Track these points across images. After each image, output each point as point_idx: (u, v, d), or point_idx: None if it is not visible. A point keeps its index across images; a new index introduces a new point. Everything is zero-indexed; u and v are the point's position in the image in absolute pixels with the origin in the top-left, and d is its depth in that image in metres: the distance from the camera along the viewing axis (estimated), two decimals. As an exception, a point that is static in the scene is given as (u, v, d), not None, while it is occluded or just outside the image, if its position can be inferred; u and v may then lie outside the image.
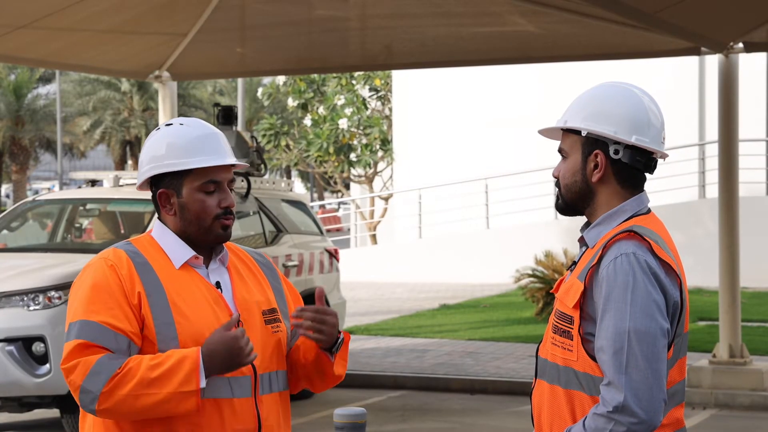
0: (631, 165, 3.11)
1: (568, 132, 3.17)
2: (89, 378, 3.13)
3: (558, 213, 3.34)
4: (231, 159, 3.35)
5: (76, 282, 3.31)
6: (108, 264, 3.26)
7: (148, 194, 3.44)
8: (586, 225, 3.19)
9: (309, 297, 11.27)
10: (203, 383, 3.15)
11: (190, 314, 3.24)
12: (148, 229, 9.70)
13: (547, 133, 3.29)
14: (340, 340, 3.39)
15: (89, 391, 3.14)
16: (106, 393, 3.12)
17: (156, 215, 3.44)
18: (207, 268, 3.37)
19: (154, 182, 3.36)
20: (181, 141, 3.31)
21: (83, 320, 3.18)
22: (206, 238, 3.34)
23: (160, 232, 3.37)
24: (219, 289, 3.34)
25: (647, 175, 3.19)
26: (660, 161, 3.20)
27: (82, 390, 3.14)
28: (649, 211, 3.17)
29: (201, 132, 3.34)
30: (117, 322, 3.18)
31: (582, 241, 3.20)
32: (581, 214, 3.21)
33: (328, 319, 3.33)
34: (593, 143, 3.12)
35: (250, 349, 3.19)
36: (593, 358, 3.01)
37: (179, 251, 3.33)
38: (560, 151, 3.21)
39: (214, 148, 3.32)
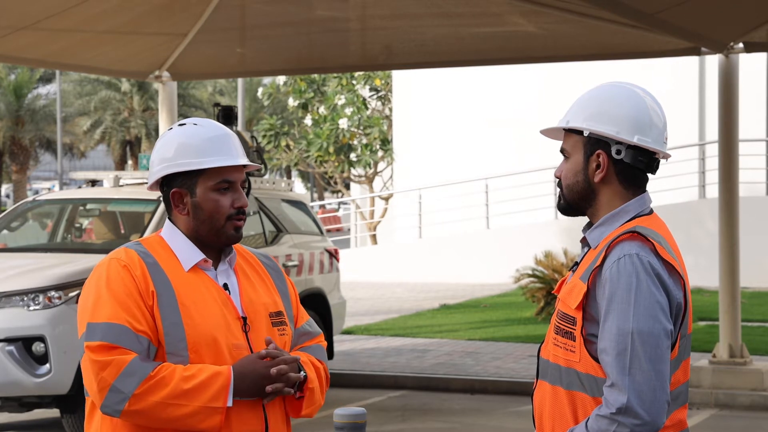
0: (634, 165, 3.11)
1: (570, 132, 3.17)
2: (122, 378, 3.13)
3: (559, 213, 3.33)
4: (244, 160, 3.36)
5: (89, 282, 3.30)
6: (121, 264, 3.26)
7: (148, 194, 3.45)
8: (589, 225, 3.19)
9: (309, 297, 11.33)
10: (230, 402, 3.16)
11: (198, 316, 3.24)
12: (149, 230, 9.73)
13: (549, 133, 3.29)
14: (302, 377, 3.34)
15: (120, 391, 3.13)
16: (137, 395, 3.12)
17: (166, 216, 3.43)
18: (215, 269, 3.37)
19: (166, 182, 3.35)
20: (195, 141, 3.31)
21: (107, 322, 3.18)
22: (218, 239, 3.34)
23: (170, 233, 3.37)
24: (227, 291, 3.34)
25: (649, 175, 3.19)
26: (662, 161, 3.20)
27: (112, 389, 3.13)
28: (651, 211, 3.16)
29: (214, 133, 3.34)
30: (137, 323, 3.18)
31: (584, 242, 3.19)
32: (583, 214, 3.21)
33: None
34: (595, 143, 3.12)
35: (275, 388, 3.21)
36: (596, 359, 3.00)
37: (189, 253, 3.33)
38: (562, 151, 3.20)
39: (228, 149, 3.33)
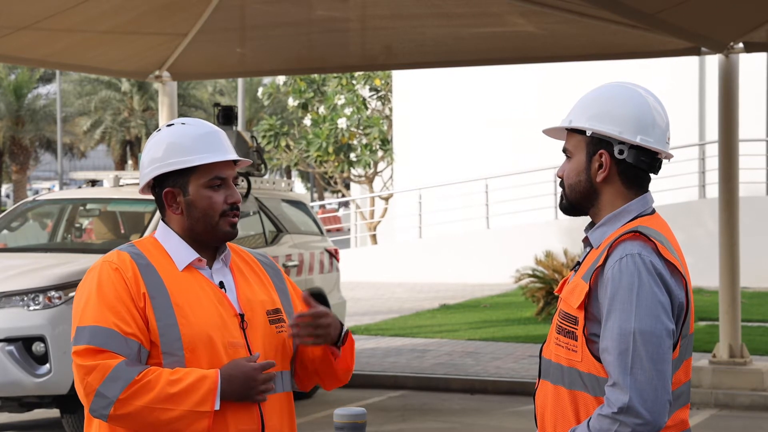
0: (636, 165, 3.11)
1: (573, 132, 3.17)
2: (107, 383, 3.12)
3: (560, 213, 3.33)
4: (234, 155, 3.36)
5: (81, 285, 3.30)
6: (113, 267, 3.25)
7: (150, 194, 3.43)
8: (591, 225, 3.19)
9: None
10: (218, 406, 3.16)
11: (193, 315, 3.24)
12: (148, 229, 9.75)
13: (551, 132, 3.29)
14: (344, 332, 3.40)
15: (105, 396, 3.13)
16: (122, 400, 3.12)
17: (159, 217, 3.43)
18: (210, 268, 3.36)
19: (158, 183, 3.35)
20: (184, 140, 3.31)
21: (94, 326, 3.18)
22: (214, 236, 3.34)
23: (164, 234, 3.36)
24: (223, 289, 3.34)
25: (651, 175, 3.19)
26: (663, 161, 3.20)
27: (97, 394, 3.13)
28: (653, 211, 3.16)
29: (203, 130, 3.35)
30: (126, 326, 3.18)
31: (586, 242, 3.19)
32: (585, 214, 3.21)
33: (321, 322, 3.34)
34: (598, 143, 3.12)
35: (265, 388, 3.22)
36: (598, 359, 3.00)
37: (183, 253, 3.32)
38: (565, 151, 3.20)
39: (218, 145, 3.33)
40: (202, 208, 3.31)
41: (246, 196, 10.61)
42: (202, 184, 3.31)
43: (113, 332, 3.17)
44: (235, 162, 3.38)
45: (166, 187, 3.33)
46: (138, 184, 11.61)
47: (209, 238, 3.34)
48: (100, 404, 3.14)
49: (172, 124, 3.38)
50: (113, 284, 3.22)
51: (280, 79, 26.80)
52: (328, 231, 29.75)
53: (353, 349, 3.47)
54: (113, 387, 3.12)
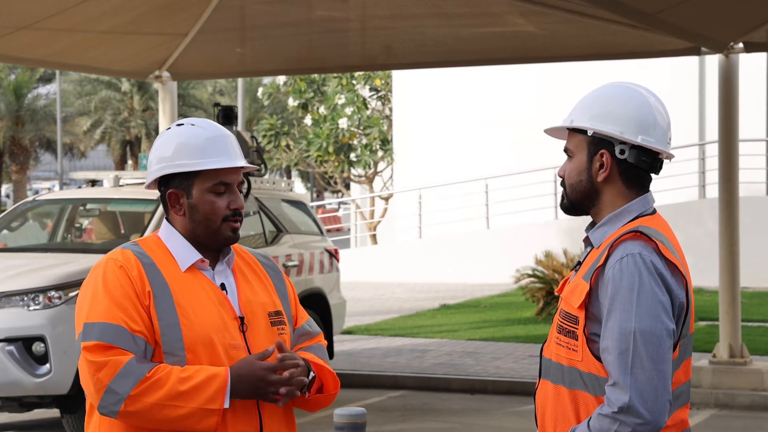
0: (637, 165, 3.11)
1: (574, 131, 3.17)
2: (118, 379, 3.12)
3: (560, 213, 3.32)
4: (242, 161, 3.35)
5: (86, 282, 3.30)
6: (118, 265, 3.26)
7: (148, 194, 3.45)
8: (592, 225, 3.19)
9: (309, 297, 11.32)
10: (227, 404, 3.16)
11: (194, 316, 3.24)
12: (148, 230, 9.73)
13: (553, 132, 3.29)
14: (310, 378, 3.34)
15: (116, 392, 3.13)
16: (133, 397, 3.12)
17: (164, 216, 3.44)
18: (213, 270, 3.36)
19: (164, 182, 3.35)
20: (192, 142, 3.31)
21: (103, 322, 3.18)
22: (215, 240, 3.34)
23: (168, 234, 3.37)
24: (224, 291, 3.34)
25: (652, 175, 3.19)
26: (664, 161, 3.20)
27: (108, 390, 3.13)
28: (654, 211, 3.17)
29: (212, 133, 3.34)
30: (134, 324, 3.18)
31: (587, 241, 3.19)
32: (586, 213, 3.21)
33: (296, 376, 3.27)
34: (599, 143, 3.12)
35: (275, 390, 3.20)
36: (598, 359, 3.01)
37: (186, 254, 3.33)
38: (566, 150, 3.20)
39: (225, 150, 3.33)
40: (205, 212, 3.32)
41: (246, 196, 10.61)
42: (207, 188, 3.31)
43: (122, 329, 3.17)
44: (241, 167, 3.37)
45: (171, 188, 3.34)
46: (138, 183, 11.54)
47: (210, 241, 3.35)
48: (110, 401, 3.14)
49: (182, 124, 3.37)
50: (119, 282, 3.22)
51: (280, 79, 26.81)
52: (328, 231, 29.76)
53: (330, 385, 3.39)
54: (124, 383, 3.12)
